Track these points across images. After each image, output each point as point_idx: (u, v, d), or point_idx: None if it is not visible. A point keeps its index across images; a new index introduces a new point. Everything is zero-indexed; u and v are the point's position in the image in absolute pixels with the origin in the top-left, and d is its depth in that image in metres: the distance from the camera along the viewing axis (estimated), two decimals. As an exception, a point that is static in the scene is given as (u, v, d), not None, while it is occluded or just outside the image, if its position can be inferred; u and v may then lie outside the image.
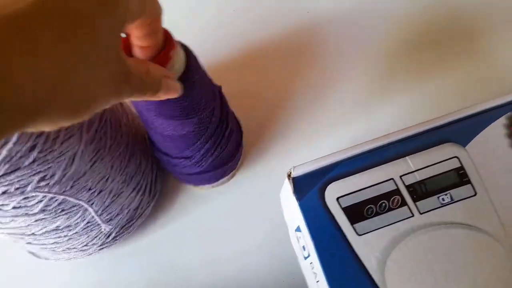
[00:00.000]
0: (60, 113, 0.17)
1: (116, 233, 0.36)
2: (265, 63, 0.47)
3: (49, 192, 0.28)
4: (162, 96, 0.25)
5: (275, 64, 0.47)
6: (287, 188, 0.31)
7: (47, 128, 0.17)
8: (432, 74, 0.45)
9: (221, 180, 0.40)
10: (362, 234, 0.29)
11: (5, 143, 0.24)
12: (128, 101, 0.37)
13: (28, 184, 0.26)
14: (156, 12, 0.23)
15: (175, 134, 0.32)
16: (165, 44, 0.26)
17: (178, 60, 0.27)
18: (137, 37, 0.24)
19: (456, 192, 0.29)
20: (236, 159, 0.40)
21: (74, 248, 0.35)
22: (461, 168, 0.30)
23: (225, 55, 0.48)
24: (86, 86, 0.17)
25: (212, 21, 0.50)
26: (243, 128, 0.41)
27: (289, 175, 0.30)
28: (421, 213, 0.29)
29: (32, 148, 0.25)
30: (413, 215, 0.29)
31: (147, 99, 0.24)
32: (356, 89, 0.45)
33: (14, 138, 0.24)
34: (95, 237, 0.35)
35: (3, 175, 0.25)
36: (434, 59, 0.46)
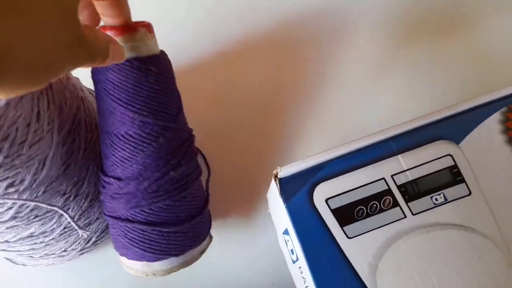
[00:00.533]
0: (16, 74, 0.16)
1: (97, 237, 0.34)
2: (249, 59, 0.45)
3: (18, 199, 0.26)
4: (109, 62, 0.24)
5: (260, 60, 0.45)
6: (274, 190, 0.29)
7: (2, 94, 0.17)
8: (426, 69, 0.44)
9: (152, 264, 0.31)
10: (353, 237, 0.27)
11: (-35, 149, 0.22)
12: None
13: (-4, 191, 0.25)
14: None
15: (113, 132, 0.28)
16: (143, 24, 0.27)
17: (144, 40, 0.27)
18: (103, 12, 0.25)
19: (450, 192, 0.28)
20: (181, 239, 0.31)
21: (53, 254, 0.33)
22: (455, 166, 0.28)
23: (209, 50, 0.46)
24: (41, 49, 0.17)
25: (195, 15, 0.48)
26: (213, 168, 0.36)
27: (275, 176, 0.29)
28: (413, 214, 0.28)
29: (-3, 153, 0.23)
30: (405, 216, 0.28)
31: (96, 65, 0.23)
32: (346, 84, 0.44)
33: (-25, 144, 0.22)
34: (74, 242, 0.33)
35: (-34, 182, 0.23)
36: (427, 52, 0.45)
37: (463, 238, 0.27)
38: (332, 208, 0.28)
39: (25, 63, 0.16)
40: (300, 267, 0.28)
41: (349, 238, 0.27)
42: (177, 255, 0.31)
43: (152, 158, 0.28)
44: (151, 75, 0.28)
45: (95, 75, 0.28)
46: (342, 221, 0.28)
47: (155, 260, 0.30)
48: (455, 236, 0.27)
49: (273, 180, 0.29)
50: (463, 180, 0.28)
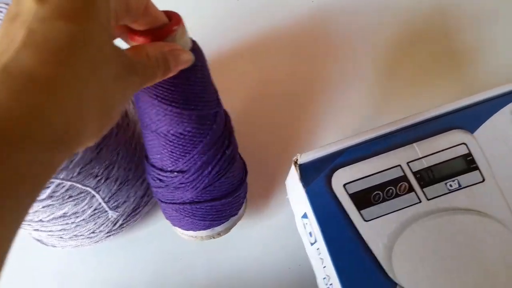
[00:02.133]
0: (90, 133, 0.18)
1: (123, 220, 0.36)
2: (268, 54, 0.47)
3: (56, 178, 0.28)
4: (175, 70, 0.25)
5: (278, 55, 0.47)
6: (294, 175, 0.31)
7: (93, 142, 0.20)
8: (441, 65, 0.45)
9: (217, 228, 0.35)
10: (369, 220, 0.29)
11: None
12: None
13: (36, 169, 0.26)
14: (140, 2, 0.23)
15: (171, 132, 0.29)
16: (174, 20, 0.26)
17: (182, 38, 0.26)
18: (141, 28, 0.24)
19: (464, 178, 0.29)
20: (238, 200, 0.35)
21: (81, 235, 0.35)
22: (469, 154, 0.29)
23: (228, 46, 0.48)
24: (104, 100, 0.19)
25: (215, 12, 0.50)
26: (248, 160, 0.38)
27: (295, 162, 0.30)
28: (428, 199, 0.29)
29: (40, 134, 0.25)
30: (420, 201, 0.29)
31: (160, 79, 0.24)
32: (363, 78, 0.45)
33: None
34: (102, 224, 0.35)
35: (11, 160, 0.25)
36: (442, 50, 0.46)
37: (476, 223, 0.28)
38: (349, 192, 0.29)
39: (93, 123, 0.18)
40: (318, 249, 0.30)
41: (366, 221, 0.29)
42: (235, 214, 0.36)
43: (210, 145, 0.30)
44: (198, 70, 0.28)
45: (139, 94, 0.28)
46: (359, 205, 0.29)
47: (219, 225, 0.34)
48: (468, 220, 0.28)
49: (293, 166, 0.31)
50: (476, 168, 0.29)
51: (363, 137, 0.31)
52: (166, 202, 0.33)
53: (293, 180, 0.32)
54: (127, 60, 0.20)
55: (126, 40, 0.25)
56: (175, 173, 0.31)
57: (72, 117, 0.17)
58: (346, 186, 0.29)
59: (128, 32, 0.25)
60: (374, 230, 0.28)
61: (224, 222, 0.35)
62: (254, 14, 0.49)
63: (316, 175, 0.30)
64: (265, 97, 0.45)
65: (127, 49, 0.22)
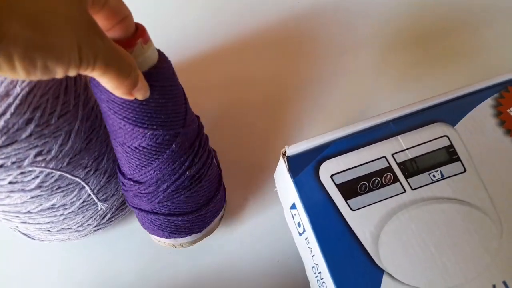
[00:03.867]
0: (23, 26, 0.16)
1: (111, 214, 0.36)
2: (254, 55, 0.48)
3: (45, 167, 0.28)
4: (133, 89, 0.24)
5: (264, 56, 0.48)
6: (282, 167, 0.31)
7: (18, 56, 0.17)
8: (426, 61, 0.46)
9: (179, 240, 0.34)
10: (356, 209, 0.29)
11: (3, 113, 0.24)
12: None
13: (25, 158, 0.26)
14: (122, 10, 0.23)
15: (126, 144, 0.28)
16: (138, 33, 0.25)
17: (142, 54, 0.25)
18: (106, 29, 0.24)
19: (446, 169, 0.30)
20: (202, 221, 0.34)
21: (69, 228, 0.35)
22: (451, 146, 0.31)
23: (213, 47, 0.48)
24: (60, 23, 0.18)
25: (200, 12, 0.51)
26: (228, 162, 0.38)
27: (283, 154, 0.31)
28: (412, 189, 0.30)
29: (29, 121, 0.25)
30: (405, 191, 0.30)
31: (118, 82, 0.22)
32: (349, 74, 0.46)
33: (12, 109, 0.24)
34: (91, 217, 0.35)
35: (0, 147, 0.25)
36: (427, 47, 0.47)
37: (458, 211, 0.29)
38: (337, 183, 0.30)
39: (29, 10, 0.17)
40: (306, 238, 0.30)
41: (352, 210, 0.29)
42: (200, 231, 0.35)
43: (168, 164, 0.30)
44: (156, 90, 0.27)
45: (98, 94, 0.27)
46: (346, 195, 0.30)
47: (181, 237, 0.34)
48: (451, 209, 0.29)
49: (281, 157, 0.31)
50: (458, 159, 0.30)
51: (350, 130, 0.32)
52: (129, 204, 0.34)
53: (281, 172, 0.32)
54: (90, 16, 0.20)
55: None
56: (132, 182, 0.31)
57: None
58: (333, 176, 0.30)
59: None
60: (361, 219, 0.29)
61: (186, 236, 0.34)
62: (240, 13, 0.50)
63: (304, 166, 0.31)
64: (251, 93, 0.46)
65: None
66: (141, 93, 0.25)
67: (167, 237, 0.34)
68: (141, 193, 0.31)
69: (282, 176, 0.32)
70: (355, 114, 0.43)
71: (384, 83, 0.45)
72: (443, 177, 0.30)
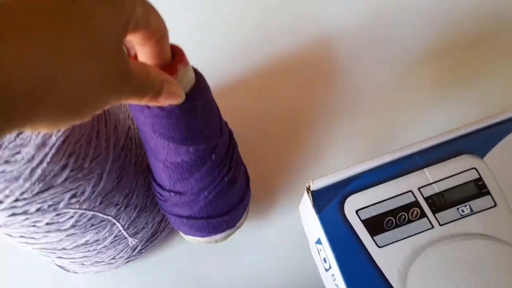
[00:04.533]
0: (56, 110, 0.16)
1: (142, 246, 0.37)
2: (277, 81, 0.48)
3: (79, 208, 0.29)
4: (163, 101, 0.23)
5: (287, 82, 0.48)
6: (306, 201, 0.32)
7: (46, 128, 0.17)
8: (449, 90, 0.46)
9: (214, 237, 0.36)
10: (383, 246, 0.29)
11: (40, 162, 0.25)
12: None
13: (61, 201, 0.28)
14: (161, 30, 0.23)
15: (168, 161, 0.30)
16: (174, 57, 0.25)
17: (186, 77, 0.26)
18: (143, 56, 0.24)
19: (476, 203, 0.29)
20: (235, 217, 0.36)
21: (102, 261, 0.36)
22: (480, 179, 0.30)
23: (237, 73, 0.49)
24: (82, 82, 0.16)
25: (224, 39, 0.52)
26: (252, 168, 0.39)
27: (308, 189, 0.31)
28: (441, 225, 0.29)
29: (64, 167, 0.27)
30: (433, 227, 0.29)
31: (147, 102, 0.22)
32: (372, 104, 0.46)
33: (48, 158, 0.25)
34: (122, 250, 0.36)
35: (37, 193, 0.26)
36: (449, 75, 0.46)
37: (489, 248, 0.28)
38: (362, 218, 0.30)
39: (61, 98, 0.16)
40: (333, 275, 0.30)
41: (379, 247, 0.29)
42: (233, 226, 0.36)
43: (208, 173, 0.31)
44: (198, 110, 0.28)
45: (141, 118, 0.28)
46: (372, 231, 0.29)
47: (216, 234, 0.35)
48: (481, 246, 0.28)
49: (305, 192, 0.31)
50: (488, 192, 0.29)
51: (375, 163, 0.32)
52: (165, 212, 0.35)
53: (306, 206, 0.32)
54: (126, 66, 0.19)
55: None
56: (173, 193, 0.32)
57: (40, 80, 0.15)
58: (359, 212, 0.30)
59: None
60: (388, 256, 0.29)
61: (221, 233, 0.36)
62: (263, 40, 0.51)
63: (328, 201, 0.31)
64: (273, 123, 0.46)
65: (130, 59, 0.21)
66: (175, 100, 0.25)
67: (203, 236, 0.35)
68: (182, 202, 0.32)
69: (307, 211, 0.32)
70: (380, 145, 0.43)
71: (410, 113, 0.45)
72: (472, 212, 0.29)
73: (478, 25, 0.48)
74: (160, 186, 0.33)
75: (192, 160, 0.30)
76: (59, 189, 0.27)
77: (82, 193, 0.29)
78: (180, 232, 0.36)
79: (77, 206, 0.29)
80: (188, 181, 0.31)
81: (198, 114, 0.28)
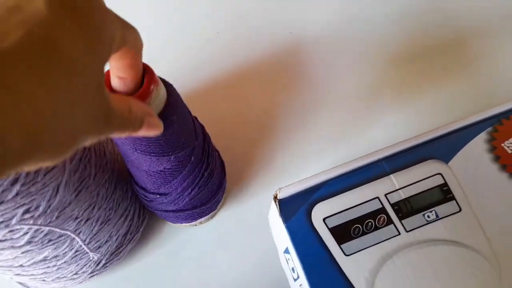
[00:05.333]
0: (44, 155, 0.16)
1: (106, 260, 0.36)
2: (247, 86, 0.48)
3: (34, 224, 0.27)
4: (142, 133, 0.24)
5: (257, 87, 0.48)
6: (274, 210, 0.31)
7: (28, 168, 0.17)
8: (416, 94, 0.46)
9: (199, 220, 0.39)
10: (350, 254, 0.29)
11: (-13, 178, 0.24)
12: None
13: (13, 217, 0.26)
14: (137, 45, 0.23)
15: (151, 170, 0.31)
16: (146, 79, 0.25)
17: (158, 96, 0.26)
18: (117, 68, 0.24)
19: (441, 209, 0.29)
20: (216, 200, 0.39)
21: (64, 277, 0.35)
22: (445, 184, 0.30)
23: (208, 79, 0.48)
24: (69, 128, 0.17)
25: (194, 44, 0.51)
26: (226, 162, 0.40)
27: (275, 197, 0.31)
28: (407, 231, 0.29)
29: (15, 182, 0.25)
30: (399, 233, 0.29)
31: (126, 135, 0.23)
32: (341, 109, 0.46)
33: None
34: (85, 265, 0.35)
35: (-14, 210, 0.25)
36: (416, 78, 0.47)
37: (454, 254, 0.28)
38: (329, 226, 0.29)
39: (53, 143, 0.16)
40: (301, 285, 0.30)
41: (346, 255, 0.29)
42: (215, 208, 0.40)
43: (189, 174, 0.33)
44: (175, 123, 0.28)
45: (119, 138, 0.29)
46: (340, 239, 0.29)
47: (201, 218, 0.39)
48: (447, 251, 0.28)
49: (273, 201, 0.31)
50: (453, 198, 0.29)
51: (342, 170, 0.31)
52: (151, 209, 0.37)
53: (273, 215, 0.32)
54: (108, 107, 0.19)
55: None
56: (158, 195, 0.34)
57: (31, 132, 0.15)
58: (326, 220, 0.30)
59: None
60: (355, 264, 0.28)
61: (205, 216, 0.39)
62: (232, 47, 0.50)
63: (296, 210, 0.30)
64: (243, 127, 0.45)
65: (113, 95, 0.21)
66: (154, 133, 0.25)
67: (189, 222, 0.39)
68: (167, 201, 0.34)
69: (274, 220, 0.31)
70: (346, 152, 0.43)
71: (376, 118, 0.45)
72: (438, 218, 0.29)
73: (445, 33, 0.49)
74: (144, 189, 0.35)
75: (173, 166, 0.31)
76: (10, 204, 0.26)
77: (37, 208, 0.27)
78: (168, 222, 0.40)
79: (31, 222, 0.27)
80: (172, 183, 0.33)
81: (175, 126, 0.29)
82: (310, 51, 0.49)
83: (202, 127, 0.36)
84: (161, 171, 0.31)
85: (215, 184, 0.37)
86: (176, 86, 0.30)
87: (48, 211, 0.28)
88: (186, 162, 0.32)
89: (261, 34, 0.50)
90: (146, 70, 0.25)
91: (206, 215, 0.39)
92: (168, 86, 0.28)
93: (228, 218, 0.42)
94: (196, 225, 0.40)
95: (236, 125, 0.45)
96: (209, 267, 0.39)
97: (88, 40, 0.17)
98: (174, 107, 0.28)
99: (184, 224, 0.39)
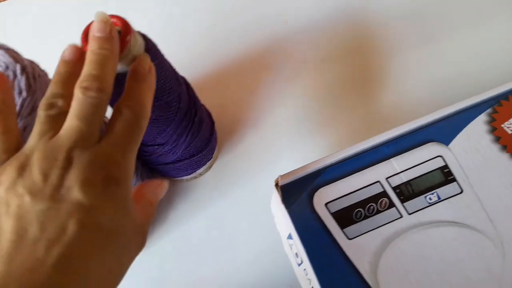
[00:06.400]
0: None
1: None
2: (243, 75, 0.48)
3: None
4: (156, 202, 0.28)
5: (252, 75, 0.48)
6: (276, 197, 0.31)
7: None
8: (409, 76, 0.46)
9: (198, 171, 0.42)
10: (353, 238, 0.29)
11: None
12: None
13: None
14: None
15: None
16: (123, 30, 0.27)
17: (136, 45, 0.28)
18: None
19: (443, 191, 0.29)
20: (211, 148, 0.41)
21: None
22: (446, 166, 0.30)
23: (204, 69, 0.49)
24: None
25: (191, 35, 0.51)
26: (217, 122, 0.43)
27: (276, 184, 0.31)
28: (409, 214, 0.29)
29: None
30: (401, 216, 0.29)
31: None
32: (334, 93, 0.46)
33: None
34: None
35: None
36: (405, 61, 0.47)
37: (457, 234, 0.28)
38: (332, 211, 0.30)
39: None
40: (305, 269, 0.30)
41: (349, 239, 0.29)
42: (211, 157, 0.43)
43: (181, 120, 0.35)
44: (157, 68, 0.29)
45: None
46: (342, 223, 0.29)
47: (199, 169, 0.42)
48: (449, 232, 0.28)
49: (274, 188, 0.31)
50: (454, 179, 0.30)
51: (342, 155, 0.31)
52: (154, 164, 0.39)
53: (276, 202, 0.32)
54: (141, 228, 0.24)
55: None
56: (155, 146, 0.36)
57: None
58: (328, 205, 0.30)
59: (84, 46, 0.25)
60: (358, 248, 0.28)
61: (203, 166, 0.42)
62: (229, 37, 0.51)
63: (297, 196, 0.30)
64: (241, 115, 0.46)
65: (134, 205, 0.24)
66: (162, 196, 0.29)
67: (190, 173, 0.42)
68: (166, 151, 0.36)
69: (277, 207, 0.32)
70: (347, 137, 0.43)
71: (376, 104, 0.45)
72: (439, 200, 0.29)
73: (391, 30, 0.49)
74: (142, 144, 0.36)
75: (165, 113, 0.33)
76: None
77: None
78: (169, 178, 0.43)
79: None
80: (166, 132, 0.34)
81: (157, 71, 0.30)
82: (305, 39, 0.49)
83: (184, 78, 0.37)
84: (154, 119, 0.33)
85: (206, 131, 0.39)
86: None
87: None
88: (175, 109, 0.34)
89: (255, 25, 0.51)
90: (122, 22, 0.27)
91: (203, 165, 0.42)
92: (143, 36, 0.30)
93: (224, 167, 0.44)
94: (197, 177, 0.43)
95: (229, 109, 0.47)
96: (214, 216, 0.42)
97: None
98: (152, 53, 0.30)
99: (186, 178, 0.42)
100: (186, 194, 0.43)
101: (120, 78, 0.28)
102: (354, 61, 0.47)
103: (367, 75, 0.47)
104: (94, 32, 0.24)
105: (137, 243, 0.23)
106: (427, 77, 0.46)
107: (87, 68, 0.23)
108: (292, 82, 0.47)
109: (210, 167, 0.43)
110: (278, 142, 0.44)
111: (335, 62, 0.48)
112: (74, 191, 0.19)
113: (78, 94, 0.22)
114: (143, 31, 0.29)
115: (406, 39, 0.48)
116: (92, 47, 0.24)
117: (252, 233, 0.40)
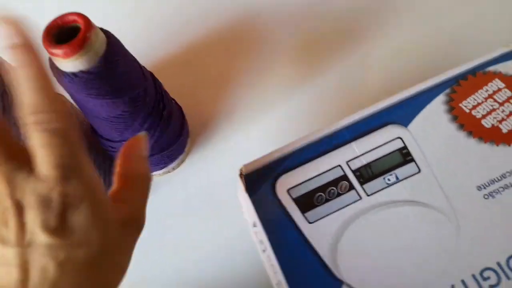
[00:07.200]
0: None
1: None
2: (204, 57, 0.49)
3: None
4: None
5: (215, 57, 0.49)
6: (240, 187, 0.32)
7: None
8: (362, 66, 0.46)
9: (171, 165, 0.42)
10: (313, 222, 0.29)
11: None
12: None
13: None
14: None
15: (111, 116, 0.33)
16: (83, 26, 0.27)
17: (98, 41, 0.28)
18: None
19: (401, 171, 0.30)
20: (182, 142, 0.41)
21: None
22: (404, 147, 0.30)
23: (166, 52, 0.50)
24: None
25: (152, 19, 0.52)
26: (188, 115, 0.43)
27: (240, 174, 0.31)
28: (368, 195, 0.29)
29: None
30: (360, 198, 0.29)
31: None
32: (291, 75, 0.47)
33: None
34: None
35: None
36: (360, 52, 0.47)
37: (415, 213, 0.28)
38: (293, 197, 0.30)
39: None
40: (268, 256, 0.30)
41: (310, 223, 0.29)
42: (183, 151, 0.43)
43: (148, 115, 0.35)
44: (120, 62, 0.30)
45: (72, 87, 0.30)
46: (303, 208, 0.30)
47: (171, 163, 0.42)
48: (407, 211, 0.28)
49: (238, 178, 0.31)
50: (412, 160, 0.30)
51: (304, 142, 0.32)
52: None
53: (240, 191, 0.32)
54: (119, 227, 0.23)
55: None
56: (123, 142, 0.35)
57: None
58: (290, 191, 0.30)
59: (45, 45, 0.26)
60: (318, 231, 0.29)
61: (175, 161, 0.42)
62: (188, 20, 0.52)
63: (261, 184, 0.31)
64: (202, 97, 0.47)
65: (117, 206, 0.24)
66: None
67: (162, 168, 0.42)
68: None
69: (242, 196, 0.32)
70: (308, 123, 0.43)
71: (339, 88, 0.45)
72: (398, 180, 0.30)
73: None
74: (110, 140, 0.36)
75: (131, 108, 0.33)
76: None
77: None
78: None
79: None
80: (134, 126, 0.35)
81: (121, 66, 0.31)
82: (267, 20, 0.50)
83: (151, 73, 0.38)
84: (120, 114, 0.33)
85: (176, 125, 0.40)
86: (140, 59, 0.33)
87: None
88: (142, 103, 0.34)
89: (216, 6, 0.52)
90: (83, 19, 0.28)
91: (175, 159, 0.42)
92: (105, 32, 0.31)
93: (197, 161, 0.44)
94: (169, 172, 0.43)
95: (194, 94, 0.47)
96: (178, 229, 0.42)
97: None
98: (115, 49, 0.30)
99: (158, 172, 0.42)
100: (159, 189, 0.43)
101: (81, 76, 0.29)
102: (322, 48, 0.48)
103: (335, 62, 0.47)
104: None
105: (123, 254, 0.24)
106: (388, 60, 0.46)
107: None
108: (266, 71, 0.48)
109: (183, 161, 0.44)
110: (252, 133, 0.45)
111: (308, 49, 0.48)
112: (38, 235, 0.19)
113: None
114: (110, 21, 0.30)
115: (363, 27, 0.48)
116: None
117: (223, 223, 0.41)
